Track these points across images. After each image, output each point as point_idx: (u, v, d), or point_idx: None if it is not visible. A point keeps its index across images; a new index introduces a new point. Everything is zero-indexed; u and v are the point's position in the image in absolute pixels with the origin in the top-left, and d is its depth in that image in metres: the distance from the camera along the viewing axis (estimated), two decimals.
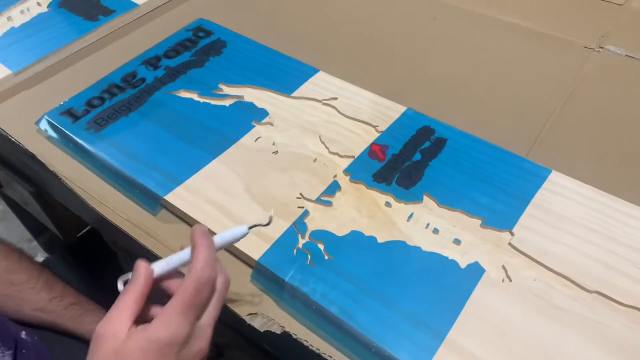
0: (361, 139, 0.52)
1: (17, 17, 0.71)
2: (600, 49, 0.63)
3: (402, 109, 0.55)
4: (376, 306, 0.39)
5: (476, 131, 0.52)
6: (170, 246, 0.45)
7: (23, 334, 0.58)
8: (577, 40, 0.64)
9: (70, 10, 0.73)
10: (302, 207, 0.46)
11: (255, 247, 0.43)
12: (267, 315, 0.40)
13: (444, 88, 0.59)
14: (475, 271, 0.41)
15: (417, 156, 0.50)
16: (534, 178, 0.47)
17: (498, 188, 0.47)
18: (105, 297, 0.70)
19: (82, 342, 0.66)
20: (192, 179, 0.49)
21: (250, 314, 0.40)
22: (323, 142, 0.52)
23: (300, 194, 0.47)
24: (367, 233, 0.44)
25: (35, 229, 1.01)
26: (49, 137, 0.55)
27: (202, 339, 0.33)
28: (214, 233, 0.44)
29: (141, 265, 0.34)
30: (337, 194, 0.47)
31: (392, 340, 0.37)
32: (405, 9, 0.71)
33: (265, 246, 0.43)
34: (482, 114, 0.56)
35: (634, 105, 0.56)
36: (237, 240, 0.37)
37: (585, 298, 0.39)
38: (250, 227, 0.37)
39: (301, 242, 0.43)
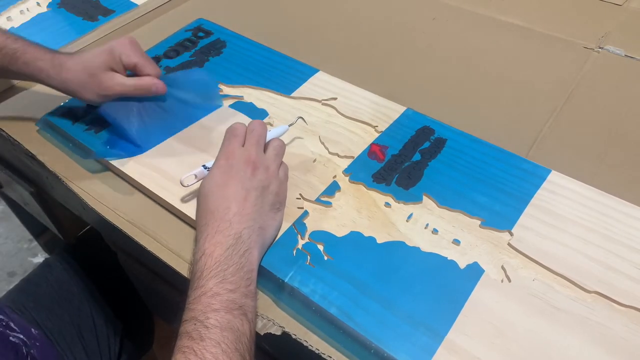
0: (361, 139, 0.52)
1: (17, 17, 0.71)
2: (600, 49, 0.63)
3: (401, 109, 0.55)
4: (375, 307, 0.39)
5: (476, 131, 0.52)
6: (170, 246, 0.45)
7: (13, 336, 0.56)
8: (577, 40, 0.64)
9: (70, 11, 0.73)
10: (302, 208, 0.46)
11: None
12: (267, 316, 0.40)
13: (443, 88, 0.59)
14: (475, 271, 0.41)
15: (417, 156, 0.50)
16: (534, 178, 0.47)
17: (497, 188, 0.47)
18: (106, 297, 0.70)
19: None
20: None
21: None
22: (322, 143, 0.52)
23: (300, 194, 0.47)
24: (366, 234, 0.44)
25: (36, 229, 1.01)
26: (49, 138, 0.55)
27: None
28: None
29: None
30: (337, 194, 0.47)
31: (391, 340, 0.37)
32: (405, 9, 0.71)
33: None
34: (482, 114, 0.56)
35: (634, 105, 0.56)
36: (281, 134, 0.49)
37: (584, 298, 0.39)
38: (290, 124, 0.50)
39: (301, 242, 0.43)
